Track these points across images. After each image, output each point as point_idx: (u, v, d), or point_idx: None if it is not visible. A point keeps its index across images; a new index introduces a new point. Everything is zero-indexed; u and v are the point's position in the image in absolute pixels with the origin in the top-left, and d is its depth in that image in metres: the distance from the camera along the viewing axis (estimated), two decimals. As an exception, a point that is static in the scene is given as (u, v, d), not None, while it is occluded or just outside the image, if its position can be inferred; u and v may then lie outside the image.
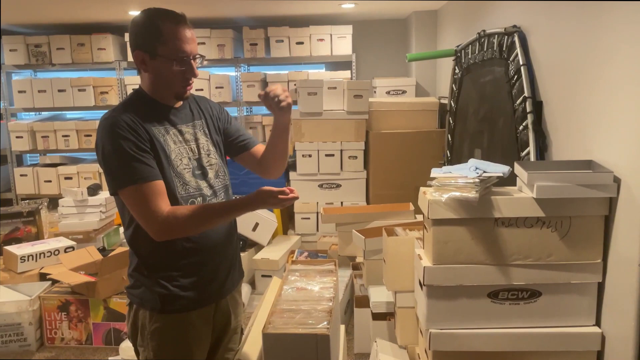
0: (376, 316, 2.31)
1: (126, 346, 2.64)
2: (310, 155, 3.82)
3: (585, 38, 1.71)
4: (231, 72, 4.66)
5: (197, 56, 1.54)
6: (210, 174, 1.61)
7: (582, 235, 1.62)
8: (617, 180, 1.54)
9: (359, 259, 2.99)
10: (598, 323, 1.66)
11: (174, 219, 1.43)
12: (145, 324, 1.53)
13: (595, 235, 1.62)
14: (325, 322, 1.19)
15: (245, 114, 4.67)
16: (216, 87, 4.45)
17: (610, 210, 1.59)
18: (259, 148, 1.79)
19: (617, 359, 1.56)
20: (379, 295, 2.32)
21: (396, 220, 2.80)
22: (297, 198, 1.46)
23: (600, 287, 1.65)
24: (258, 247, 3.59)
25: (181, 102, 1.62)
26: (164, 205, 1.44)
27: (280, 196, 1.43)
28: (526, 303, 1.68)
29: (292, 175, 3.86)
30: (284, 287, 1.40)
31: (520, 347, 1.67)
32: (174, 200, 1.49)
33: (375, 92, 4.28)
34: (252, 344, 1.38)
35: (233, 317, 1.63)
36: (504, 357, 1.68)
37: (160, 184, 1.46)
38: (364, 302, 2.51)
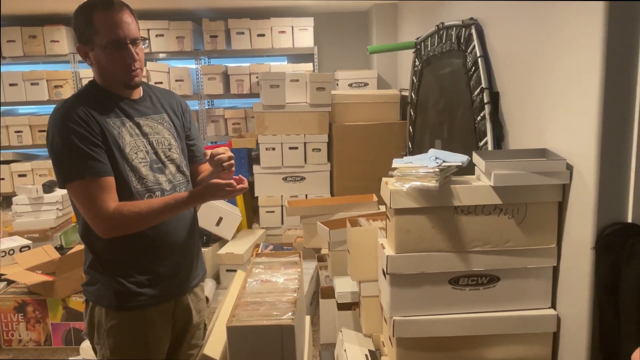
0: (341, 306, 2.33)
1: (87, 346, 2.58)
2: (273, 149, 3.81)
3: (539, 31, 1.76)
4: (191, 65, 4.58)
5: (138, 40, 1.50)
6: (171, 169, 1.58)
7: (538, 222, 1.68)
8: (569, 168, 1.60)
9: (324, 251, 3.01)
10: (554, 305, 1.73)
11: (120, 216, 1.40)
12: (101, 322, 1.50)
13: (549, 221, 1.68)
14: (290, 313, 1.19)
15: (206, 107, 4.60)
16: (176, 80, 4.37)
17: (563, 196, 1.65)
18: (202, 168, 1.75)
19: (572, 339, 1.62)
20: (343, 286, 2.34)
21: (360, 212, 2.82)
22: (246, 189, 1.47)
23: (555, 271, 1.72)
24: (222, 241, 3.55)
25: (140, 94, 1.59)
26: (111, 201, 1.41)
27: (228, 188, 1.44)
28: (485, 288, 1.73)
29: (255, 168, 3.84)
30: (248, 280, 1.39)
31: (480, 331, 1.72)
32: (128, 194, 1.46)
33: (337, 84, 4.29)
34: (216, 338, 1.37)
35: (195, 313, 1.61)
36: (465, 341, 1.73)
37: (109, 180, 1.42)
38: (329, 293, 2.53)
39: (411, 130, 3.34)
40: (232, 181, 1.44)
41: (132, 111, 1.54)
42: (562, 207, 1.66)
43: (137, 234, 1.46)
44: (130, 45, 1.46)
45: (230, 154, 1.56)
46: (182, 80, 4.37)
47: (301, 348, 1.31)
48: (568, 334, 1.66)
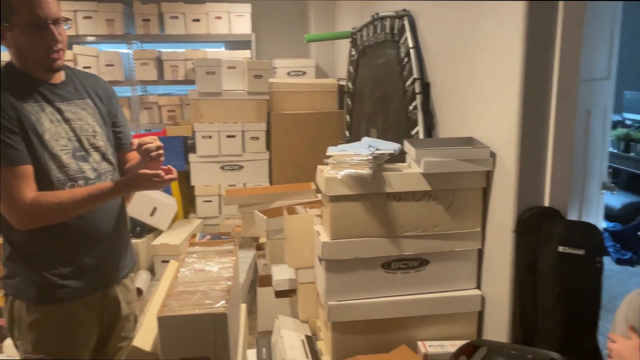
0: (279, 294, 2.34)
1: (10, 343, 2.44)
2: (210, 137, 3.74)
3: (466, 25, 1.83)
4: (122, 49, 4.39)
5: (60, 20, 1.41)
6: (95, 157, 1.51)
7: (464, 207, 1.76)
8: (493, 155, 1.68)
9: (263, 240, 3.00)
10: (479, 286, 1.83)
11: (38, 207, 1.34)
12: (22, 316, 1.43)
13: (475, 206, 1.77)
14: (223, 301, 1.18)
15: (139, 93, 4.43)
16: (106, 65, 4.18)
17: (487, 182, 1.74)
18: (130, 156, 1.69)
19: (495, 317, 1.72)
20: (281, 274, 2.35)
21: (299, 200, 2.83)
22: (175, 179, 1.44)
23: (480, 253, 1.81)
24: (157, 232, 3.46)
25: (62, 78, 1.50)
26: (29, 191, 1.34)
27: (155, 179, 1.40)
28: (416, 271, 1.79)
29: (192, 157, 3.76)
30: (180, 270, 1.37)
31: (411, 313, 1.79)
32: (48, 184, 1.39)
33: (275, 72, 4.26)
34: (147, 330, 1.34)
35: (124, 304, 1.57)
36: (397, 323, 1.79)
37: (26, 168, 1.35)
38: (267, 281, 2.53)
39: (349, 119, 3.39)
40: (159, 171, 1.40)
41: (52, 96, 1.45)
42: (486, 193, 1.75)
43: (60, 225, 1.40)
44: (52, 26, 1.38)
45: (158, 143, 1.52)
46: (112, 65, 4.19)
47: (235, 336, 1.31)
48: (491, 312, 1.76)
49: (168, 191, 3.62)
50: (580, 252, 1.50)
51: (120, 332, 1.57)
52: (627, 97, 4.69)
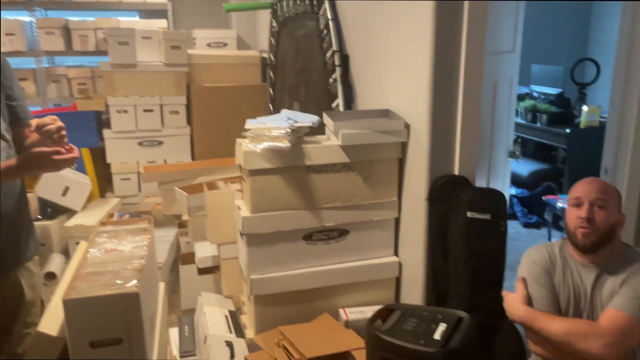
0: (202, 271, 2.30)
1: None
2: (126, 111, 3.55)
3: (382, -4, 1.84)
4: (24, 17, 4.03)
5: None
6: None
7: (381, 177, 1.81)
8: (407, 127, 1.73)
9: (185, 217, 2.93)
10: (396, 253, 1.90)
11: None
12: None
13: (391, 176, 1.82)
14: (135, 281, 1.14)
15: (45, 65, 4.11)
16: (6, 34, 3.82)
17: (403, 153, 1.79)
18: (29, 131, 1.57)
19: (411, 281, 1.80)
20: (204, 251, 2.31)
21: (222, 176, 2.78)
22: (76, 158, 1.35)
23: (397, 221, 1.88)
24: (71, 213, 3.27)
25: None
26: None
27: (54, 157, 1.31)
28: (337, 242, 1.83)
29: (106, 133, 3.56)
30: (90, 251, 1.30)
31: (333, 282, 1.83)
32: None
33: (195, 43, 4.10)
34: (53, 314, 1.27)
35: (27, 289, 1.47)
36: (319, 292, 1.83)
37: None
38: (189, 258, 2.49)
39: (272, 93, 3.35)
40: (59, 148, 1.30)
41: None
42: (401, 163, 1.81)
43: None
44: None
45: (59, 123, 1.41)
46: (13, 35, 3.84)
47: (151, 316, 1.28)
48: (408, 277, 1.84)
49: (82, 169, 3.42)
50: (487, 216, 1.60)
51: (25, 318, 1.48)
52: (534, 70, 4.99)
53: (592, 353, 1.27)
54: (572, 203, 1.38)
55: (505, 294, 1.42)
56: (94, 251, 1.31)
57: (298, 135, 1.73)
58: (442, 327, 1.24)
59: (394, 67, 1.79)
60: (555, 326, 1.34)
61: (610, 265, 1.38)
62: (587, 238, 1.34)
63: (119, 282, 1.12)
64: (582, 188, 1.37)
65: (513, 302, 1.43)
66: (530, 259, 1.53)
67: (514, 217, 3.84)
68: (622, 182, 1.88)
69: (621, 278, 1.35)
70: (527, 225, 3.76)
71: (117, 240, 1.37)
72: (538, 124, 4.31)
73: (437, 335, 1.20)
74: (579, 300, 1.42)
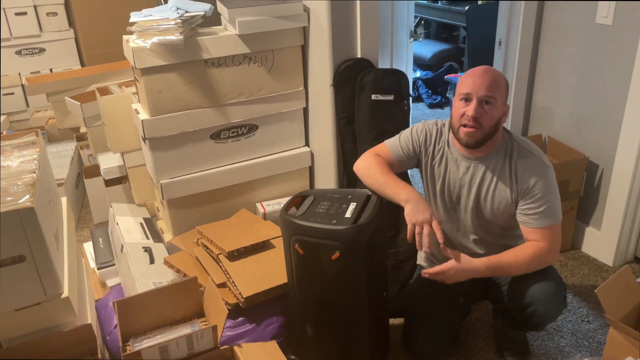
0: (109, 182, 2.20)
1: None
2: (-7, 16, 3.10)
3: None
4: None
5: None
6: None
7: (285, 67, 1.75)
8: (307, 10, 1.66)
9: (83, 129, 2.73)
10: (307, 143, 1.91)
11: None
12: None
13: (295, 65, 1.77)
14: (28, 196, 1.06)
15: None
16: None
17: (305, 39, 1.73)
18: None
19: (323, 168, 1.84)
20: (109, 161, 2.19)
21: (117, 81, 2.57)
22: None
23: (305, 111, 1.86)
24: (-50, 137, 2.94)
25: None
26: None
27: None
28: (246, 138, 1.80)
29: (-26, 43, 3.12)
30: (-28, 171, 1.18)
31: (247, 178, 1.82)
32: None
33: None
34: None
35: None
36: (234, 190, 1.83)
37: None
38: (94, 171, 2.36)
39: (160, -16, 3.04)
40: None
41: None
42: (304, 51, 1.76)
43: None
44: None
45: None
46: None
47: (54, 231, 1.21)
48: (320, 165, 1.87)
49: (-48, 87, 3.02)
50: (390, 97, 1.62)
51: None
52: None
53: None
54: (460, 97, 1.28)
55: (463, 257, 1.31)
56: (-24, 171, 1.19)
57: (190, 26, 1.60)
58: (352, 206, 1.29)
59: (288, -55, 1.66)
60: (517, 265, 1.30)
61: (490, 158, 1.33)
62: (471, 137, 1.27)
63: (9, 198, 1.04)
64: (473, 82, 1.26)
65: (468, 263, 1.30)
66: (421, 124, 1.46)
67: (419, 99, 3.96)
68: (514, 52, 1.96)
69: (504, 172, 1.32)
70: (431, 105, 3.89)
71: (2, 157, 1.25)
72: (439, 4, 4.32)
73: (348, 214, 1.25)
74: (454, 189, 1.39)
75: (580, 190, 1.92)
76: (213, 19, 1.74)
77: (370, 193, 1.36)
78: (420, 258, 1.59)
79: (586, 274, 1.87)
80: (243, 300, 1.37)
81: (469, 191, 1.38)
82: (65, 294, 1.17)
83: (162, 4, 2.99)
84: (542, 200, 1.30)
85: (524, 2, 1.89)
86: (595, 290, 1.24)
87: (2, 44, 3.18)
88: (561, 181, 1.35)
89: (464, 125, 1.29)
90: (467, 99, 1.28)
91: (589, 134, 1.87)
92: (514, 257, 1.32)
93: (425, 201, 1.31)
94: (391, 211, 1.36)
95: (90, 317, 1.39)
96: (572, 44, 1.86)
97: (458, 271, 1.30)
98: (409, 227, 1.28)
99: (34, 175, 1.17)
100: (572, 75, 1.89)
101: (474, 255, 1.35)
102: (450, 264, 1.30)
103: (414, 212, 1.28)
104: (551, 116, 2.00)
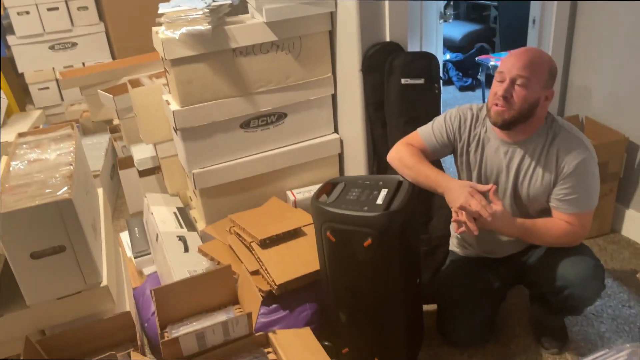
0: (143, 173, 2.25)
1: None
2: (28, 12, 3.17)
3: None
4: None
5: None
6: None
7: (313, 54, 1.74)
8: (333, -5, 1.64)
9: (116, 121, 2.79)
10: (336, 130, 1.90)
11: None
12: None
13: (323, 51, 1.76)
14: (66, 187, 1.09)
15: None
16: None
17: (332, 24, 1.71)
18: None
19: (353, 155, 1.83)
20: (142, 152, 2.23)
21: (148, 72, 2.61)
22: None
23: (334, 98, 1.85)
24: (-9, 132, 3.04)
25: None
26: None
27: None
28: (275, 126, 1.80)
29: (11, 39, 3.21)
30: (12, 164, 1.22)
31: (277, 166, 1.83)
32: None
33: None
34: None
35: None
36: (264, 178, 1.83)
37: None
38: (128, 162, 2.40)
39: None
40: None
41: None
42: (332, 36, 1.74)
43: None
44: None
45: None
46: None
47: (92, 222, 1.24)
48: (349, 152, 1.86)
49: (-9, 83, 3.12)
50: (420, 81, 1.59)
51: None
52: None
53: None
54: (497, 78, 1.26)
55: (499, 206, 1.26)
56: (16, 164, 1.22)
57: (218, 15, 1.61)
58: (383, 192, 1.28)
59: None
60: (546, 237, 1.30)
61: (530, 142, 1.30)
62: (498, 116, 1.24)
63: (48, 191, 1.07)
64: (508, 62, 1.24)
65: (506, 218, 1.27)
66: (455, 110, 1.44)
67: (449, 82, 3.88)
68: (549, 31, 1.89)
69: (543, 156, 1.28)
70: (462, 88, 3.81)
71: (40, 150, 1.29)
72: (469, -16, 4.21)
73: (379, 200, 1.24)
74: (491, 174, 1.35)
75: (620, 172, 1.85)
76: (240, 8, 1.74)
77: (401, 179, 1.34)
78: (453, 244, 1.57)
79: (627, 257, 1.81)
80: (276, 287, 1.38)
81: (507, 176, 1.35)
82: (104, 282, 1.21)
83: None
84: (579, 187, 1.27)
85: (559, -23, 1.82)
86: (638, 275, 1.20)
87: (35, 40, 3.27)
88: (600, 163, 1.31)
89: (496, 105, 1.27)
90: (501, 79, 1.26)
91: (629, 113, 1.80)
92: (546, 229, 1.31)
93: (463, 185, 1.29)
94: (423, 197, 1.34)
95: (128, 305, 1.43)
96: (611, 20, 1.78)
97: (499, 216, 1.24)
98: (455, 212, 1.26)
99: (71, 167, 1.20)
100: (612, 53, 1.81)
101: (510, 239, 1.32)
102: (498, 206, 1.24)
103: (457, 197, 1.25)
104: (588, 96, 1.93)
